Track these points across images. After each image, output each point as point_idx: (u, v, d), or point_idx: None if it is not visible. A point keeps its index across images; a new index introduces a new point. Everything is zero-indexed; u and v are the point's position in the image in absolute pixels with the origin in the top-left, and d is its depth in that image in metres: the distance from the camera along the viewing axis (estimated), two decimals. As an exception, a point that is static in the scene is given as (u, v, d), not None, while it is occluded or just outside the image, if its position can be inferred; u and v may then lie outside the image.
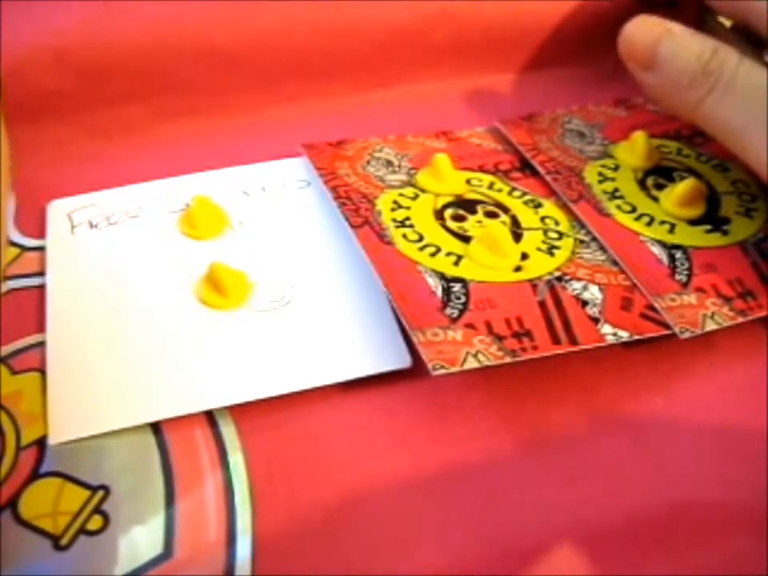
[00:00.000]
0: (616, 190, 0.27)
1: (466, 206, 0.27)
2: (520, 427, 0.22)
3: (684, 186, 0.27)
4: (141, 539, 0.19)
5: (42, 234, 0.26)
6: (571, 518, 0.20)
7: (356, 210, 0.26)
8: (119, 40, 0.28)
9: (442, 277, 0.23)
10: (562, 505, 0.20)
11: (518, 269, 0.24)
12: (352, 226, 0.25)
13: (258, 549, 0.19)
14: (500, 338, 0.21)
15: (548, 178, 0.28)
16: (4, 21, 0.27)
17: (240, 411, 0.21)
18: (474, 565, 0.19)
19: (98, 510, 0.20)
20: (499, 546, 0.20)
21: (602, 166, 0.29)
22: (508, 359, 0.21)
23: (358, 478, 0.20)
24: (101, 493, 0.20)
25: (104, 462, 0.20)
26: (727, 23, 0.31)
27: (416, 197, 0.27)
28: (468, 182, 0.28)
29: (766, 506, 0.20)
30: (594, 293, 0.23)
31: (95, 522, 0.19)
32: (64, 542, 0.19)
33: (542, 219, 0.26)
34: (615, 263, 0.24)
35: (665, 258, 0.25)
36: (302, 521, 0.20)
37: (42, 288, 0.24)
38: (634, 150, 0.29)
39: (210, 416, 0.21)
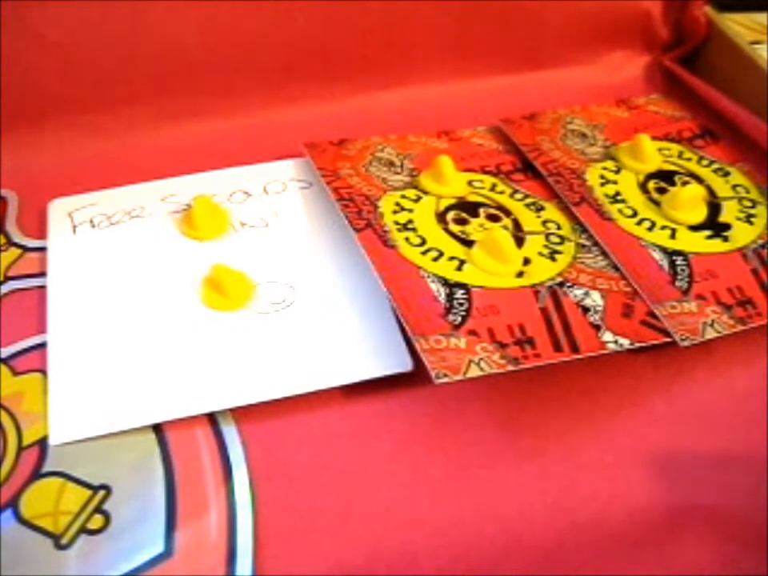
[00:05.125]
0: (617, 193, 0.28)
1: (468, 208, 0.27)
2: (520, 432, 0.22)
3: (685, 192, 0.27)
4: (142, 538, 0.19)
5: (43, 235, 0.26)
6: (572, 522, 0.20)
7: (358, 211, 0.26)
8: (122, 42, 0.28)
9: (445, 282, 0.23)
10: (562, 509, 0.20)
11: (520, 274, 0.24)
12: (354, 229, 0.25)
13: (259, 548, 0.19)
14: (502, 346, 0.21)
15: (550, 180, 0.28)
16: (6, 22, 0.27)
17: (242, 412, 0.21)
18: (474, 565, 0.20)
19: (98, 510, 0.20)
20: (500, 548, 0.20)
21: (604, 168, 0.29)
22: (510, 367, 0.21)
23: (359, 480, 0.21)
24: (102, 493, 0.20)
25: (105, 462, 0.20)
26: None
27: (418, 199, 0.27)
28: (470, 183, 0.28)
29: (764, 509, 0.20)
30: (595, 299, 0.23)
31: (96, 522, 0.19)
32: (65, 541, 0.19)
33: (544, 223, 0.26)
34: (616, 268, 0.25)
35: (665, 264, 0.25)
36: (302, 521, 0.20)
37: (43, 288, 0.24)
38: (636, 152, 0.29)
39: (211, 417, 0.21)
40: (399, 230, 0.25)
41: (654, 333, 0.23)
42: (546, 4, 0.32)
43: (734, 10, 0.36)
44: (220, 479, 0.20)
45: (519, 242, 0.25)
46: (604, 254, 0.25)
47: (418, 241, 0.25)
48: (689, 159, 0.30)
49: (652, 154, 0.29)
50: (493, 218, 0.26)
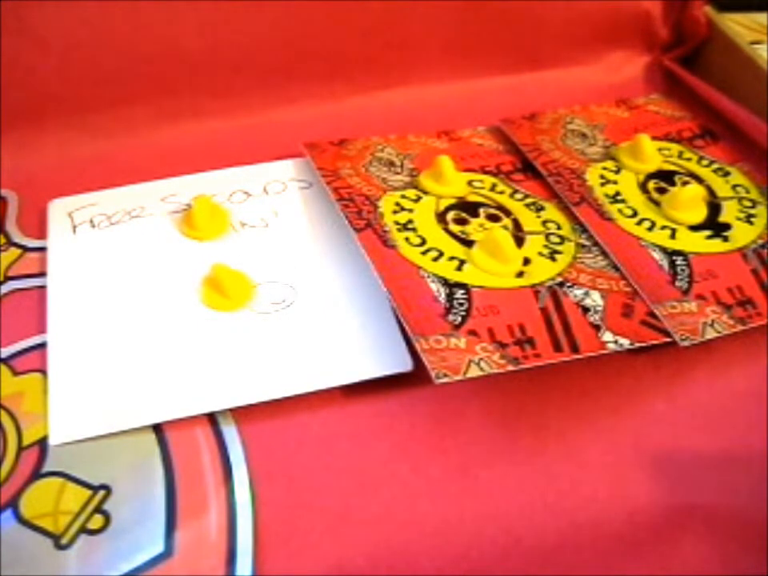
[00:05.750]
0: (617, 193, 0.28)
1: (468, 208, 0.27)
2: (520, 432, 0.22)
3: (685, 192, 0.27)
4: (142, 538, 0.19)
5: (43, 235, 0.26)
6: (572, 522, 0.20)
7: (358, 211, 0.26)
8: (122, 42, 0.28)
9: (445, 282, 0.23)
10: (562, 509, 0.20)
11: (520, 274, 0.24)
12: (354, 229, 0.25)
13: (259, 548, 0.19)
14: (502, 346, 0.21)
15: (550, 180, 0.28)
16: (6, 22, 0.27)
17: (241, 412, 0.21)
18: (474, 565, 0.20)
19: (99, 510, 0.20)
20: (500, 548, 0.20)
21: (604, 168, 0.29)
22: (510, 367, 0.21)
23: (359, 480, 0.21)
24: (102, 492, 0.20)
25: (105, 462, 0.21)
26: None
27: (418, 199, 0.27)
28: (470, 183, 0.28)
29: (764, 509, 0.20)
30: (595, 299, 0.23)
31: (96, 522, 0.19)
32: (65, 541, 0.19)
33: (544, 223, 0.26)
34: (616, 268, 0.25)
35: (665, 264, 0.25)
36: (302, 521, 0.20)
37: (43, 288, 0.24)
38: (636, 152, 0.29)
39: (211, 416, 0.21)
40: (399, 230, 0.25)
41: (653, 333, 0.23)
42: (546, 4, 0.32)
43: (733, 10, 0.36)
44: (220, 479, 0.20)
45: (519, 242, 0.25)
46: (604, 254, 0.25)
47: (418, 241, 0.25)
48: (689, 159, 0.30)
49: (652, 154, 0.29)
50: (493, 218, 0.26)
